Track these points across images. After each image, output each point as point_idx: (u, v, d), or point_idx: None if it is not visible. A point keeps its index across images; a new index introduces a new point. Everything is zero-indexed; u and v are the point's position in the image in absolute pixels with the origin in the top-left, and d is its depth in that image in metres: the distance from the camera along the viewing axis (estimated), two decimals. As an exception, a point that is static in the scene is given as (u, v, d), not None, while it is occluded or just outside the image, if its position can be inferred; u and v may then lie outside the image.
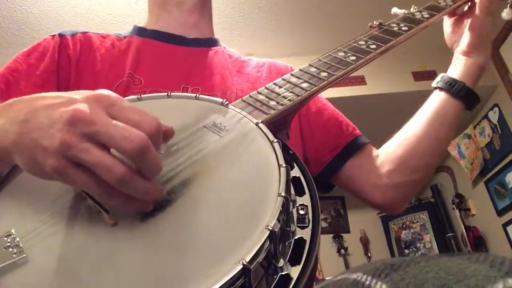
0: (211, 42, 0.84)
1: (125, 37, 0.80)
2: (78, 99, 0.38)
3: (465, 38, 0.75)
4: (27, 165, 0.39)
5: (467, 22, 0.76)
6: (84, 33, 0.77)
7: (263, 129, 0.47)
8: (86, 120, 0.35)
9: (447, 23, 0.80)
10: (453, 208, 3.12)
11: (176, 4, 0.81)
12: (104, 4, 2.29)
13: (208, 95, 0.55)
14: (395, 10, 0.76)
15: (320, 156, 0.78)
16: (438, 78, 0.76)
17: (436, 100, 0.75)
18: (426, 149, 0.74)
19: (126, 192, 0.37)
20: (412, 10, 0.75)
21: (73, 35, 0.75)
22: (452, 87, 0.73)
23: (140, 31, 0.82)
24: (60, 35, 0.74)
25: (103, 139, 0.36)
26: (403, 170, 0.75)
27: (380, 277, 0.25)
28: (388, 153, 0.77)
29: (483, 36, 0.74)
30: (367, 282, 0.25)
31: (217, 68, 0.79)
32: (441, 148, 0.76)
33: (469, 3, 0.77)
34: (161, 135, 0.39)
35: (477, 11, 0.73)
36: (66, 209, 0.41)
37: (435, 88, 0.76)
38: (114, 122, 0.36)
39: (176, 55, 0.78)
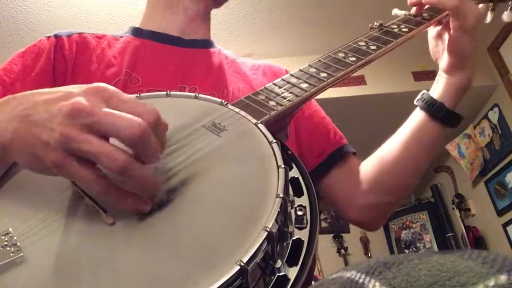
0: (207, 43, 0.84)
1: (121, 37, 0.80)
2: (76, 92, 0.38)
3: (445, 57, 0.70)
4: (27, 160, 0.39)
5: (446, 38, 0.70)
6: (80, 33, 0.76)
7: (262, 129, 0.47)
8: (86, 112, 0.36)
9: (431, 34, 0.76)
10: (453, 208, 3.12)
11: (184, 7, 0.82)
12: (104, 4, 2.29)
13: (206, 95, 0.55)
14: (395, 11, 0.76)
15: (305, 162, 0.77)
16: (419, 96, 0.72)
17: (416, 119, 0.72)
18: (403, 170, 0.72)
19: (128, 179, 0.37)
20: (412, 11, 0.74)
21: (69, 36, 0.75)
22: (431, 108, 0.69)
23: (136, 32, 0.82)
24: (56, 36, 0.74)
25: (103, 128, 0.36)
26: (378, 191, 0.73)
27: (374, 274, 0.25)
28: (366, 172, 0.76)
29: (463, 55, 0.68)
30: (361, 280, 0.25)
31: (213, 68, 0.79)
32: (419, 169, 0.73)
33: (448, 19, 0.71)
34: (162, 125, 0.39)
35: (452, 31, 0.67)
36: (64, 208, 0.41)
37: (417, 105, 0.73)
38: (111, 111, 0.36)
39: (173, 55, 0.78)
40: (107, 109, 0.36)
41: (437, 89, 0.71)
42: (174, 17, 0.82)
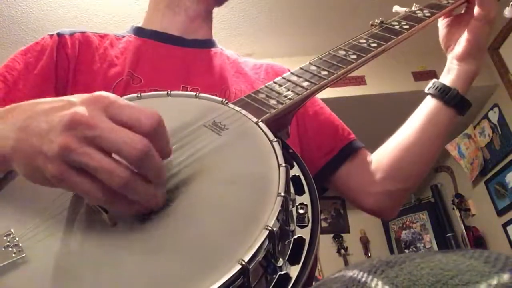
0: (209, 43, 0.85)
1: (123, 36, 0.80)
2: (76, 102, 0.37)
3: (461, 44, 0.73)
4: (27, 171, 0.38)
5: (464, 27, 0.74)
6: (83, 33, 0.77)
7: (263, 128, 0.47)
8: (86, 124, 0.35)
9: (442, 24, 0.79)
10: (453, 208, 3.12)
11: (185, 7, 0.82)
12: (104, 4, 2.29)
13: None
14: (396, 8, 0.76)
15: (314, 159, 0.78)
16: (430, 84, 0.75)
17: (428, 107, 0.74)
18: (418, 157, 0.73)
19: (129, 196, 0.36)
20: (413, 8, 0.74)
21: (72, 35, 0.75)
22: (445, 95, 0.72)
23: (138, 31, 0.82)
24: (59, 34, 0.74)
25: (104, 145, 0.35)
26: (394, 177, 0.74)
27: (376, 273, 0.25)
28: (380, 160, 0.77)
29: (480, 44, 0.72)
30: (363, 279, 0.25)
31: (215, 69, 0.79)
32: (433, 156, 0.75)
33: (467, 5, 0.75)
34: (164, 127, 0.38)
35: (477, 19, 0.71)
36: (66, 209, 0.41)
37: (427, 94, 0.75)
38: (115, 126, 0.36)
39: (175, 55, 0.78)
40: (108, 123, 0.36)
41: (450, 76, 0.74)
42: (175, 17, 0.82)
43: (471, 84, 0.74)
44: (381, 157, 0.77)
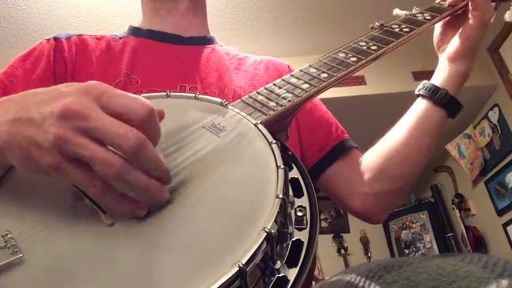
0: (207, 40, 0.84)
1: (120, 37, 0.80)
2: (68, 92, 0.37)
3: (454, 44, 0.73)
4: (22, 163, 0.38)
5: (459, 28, 0.73)
6: (79, 35, 0.77)
7: (262, 130, 0.47)
8: (78, 114, 0.35)
9: (438, 24, 0.78)
10: (453, 208, 3.12)
11: (168, 9, 0.81)
12: (104, 4, 2.29)
13: (206, 93, 0.55)
14: (396, 11, 0.76)
15: (306, 156, 0.77)
16: (420, 85, 0.74)
17: (419, 108, 0.73)
18: (407, 158, 0.72)
19: (124, 186, 0.36)
20: (413, 11, 0.74)
21: (68, 38, 0.75)
22: (435, 95, 0.71)
23: (135, 31, 0.82)
24: (55, 38, 0.74)
25: (99, 136, 0.35)
26: (383, 179, 0.73)
27: (374, 278, 0.25)
28: (369, 161, 0.76)
29: (473, 45, 0.72)
30: (361, 284, 0.25)
31: (214, 66, 0.78)
32: (423, 157, 0.74)
33: (464, 8, 0.74)
34: (156, 116, 0.38)
35: (471, 20, 0.71)
36: (64, 209, 0.41)
37: (418, 95, 0.74)
38: (108, 117, 0.36)
39: (172, 54, 0.78)
40: (100, 114, 0.36)
41: (440, 77, 0.73)
42: (163, 19, 0.82)
43: (461, 86, 0.73)
44: (371, 158, 0.76)
